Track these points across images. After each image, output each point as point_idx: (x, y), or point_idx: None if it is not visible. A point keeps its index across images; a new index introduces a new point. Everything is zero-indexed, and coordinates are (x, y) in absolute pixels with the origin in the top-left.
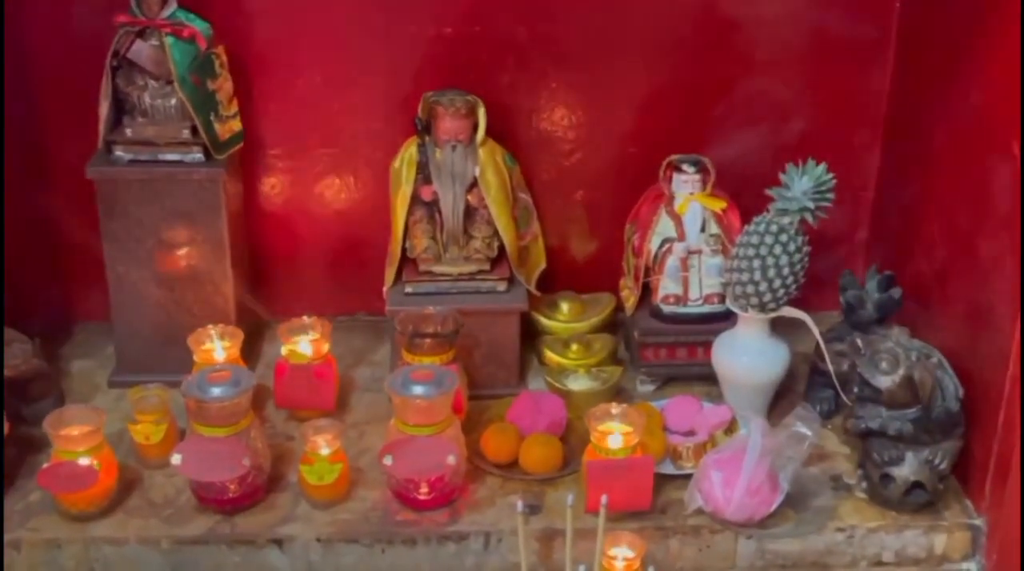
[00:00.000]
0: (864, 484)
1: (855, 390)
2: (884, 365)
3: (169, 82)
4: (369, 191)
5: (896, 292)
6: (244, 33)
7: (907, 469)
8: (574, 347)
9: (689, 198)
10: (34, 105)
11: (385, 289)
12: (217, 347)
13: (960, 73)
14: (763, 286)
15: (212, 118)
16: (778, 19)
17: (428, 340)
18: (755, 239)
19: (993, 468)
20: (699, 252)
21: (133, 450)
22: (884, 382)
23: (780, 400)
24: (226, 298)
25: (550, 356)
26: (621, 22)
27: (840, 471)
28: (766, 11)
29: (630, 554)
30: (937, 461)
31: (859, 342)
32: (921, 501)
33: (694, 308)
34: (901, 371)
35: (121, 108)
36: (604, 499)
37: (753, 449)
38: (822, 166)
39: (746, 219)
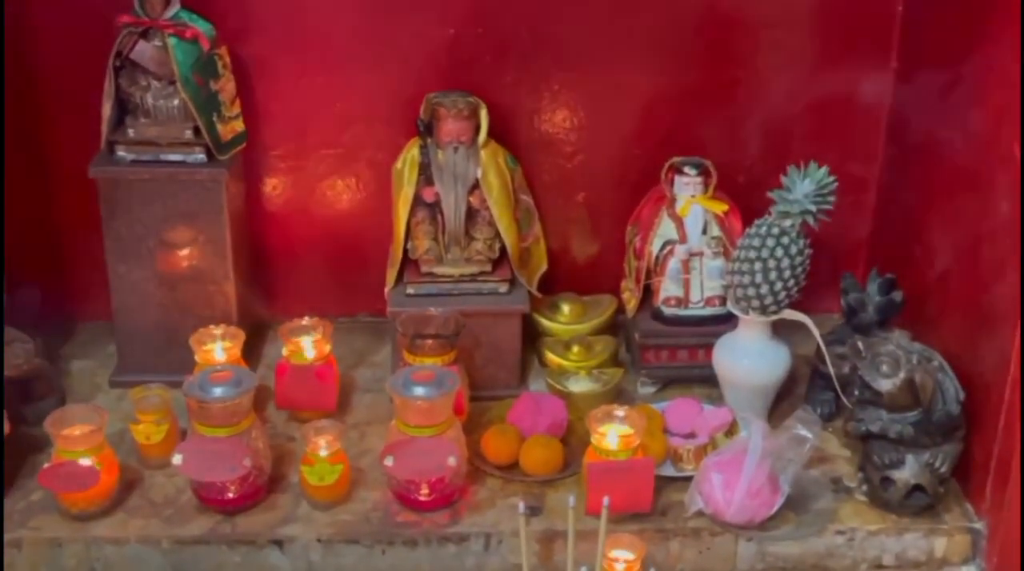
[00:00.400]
0: (864, 487)
1: (856, 393)
2: (885, 368)
3: (172, 82)
4: (371, 192)
5: (897, 295)
6: (247, 34)
7: (907, 472)
8: (575, 349)
9: (691, 200)
10: (37, 105)
11: (386, 290)
12: (218, 347)
13: (961, 76)
14: (764, 289)
15: (215, 119)
16: (781, 22)
17: (429, 341)
18: (756, 242)
19: (994, 471)
20: (700, 254)
21: (134, 450)
22: (885, 385)
23: (781, 402)
24: (228, 298)
25: (551, 357)
26: (624, 24)
27: (840, 474)
28: (769, 14)
29: (630, 556)
30: (937, 464)
31: (860, 345)
32: (921, 504)
33: (695, 310)
34: (902, 374)
35: (124, 108)
36: (606, 501)
37: (754, 451)
38: (824, 169)
39: (747, 222)
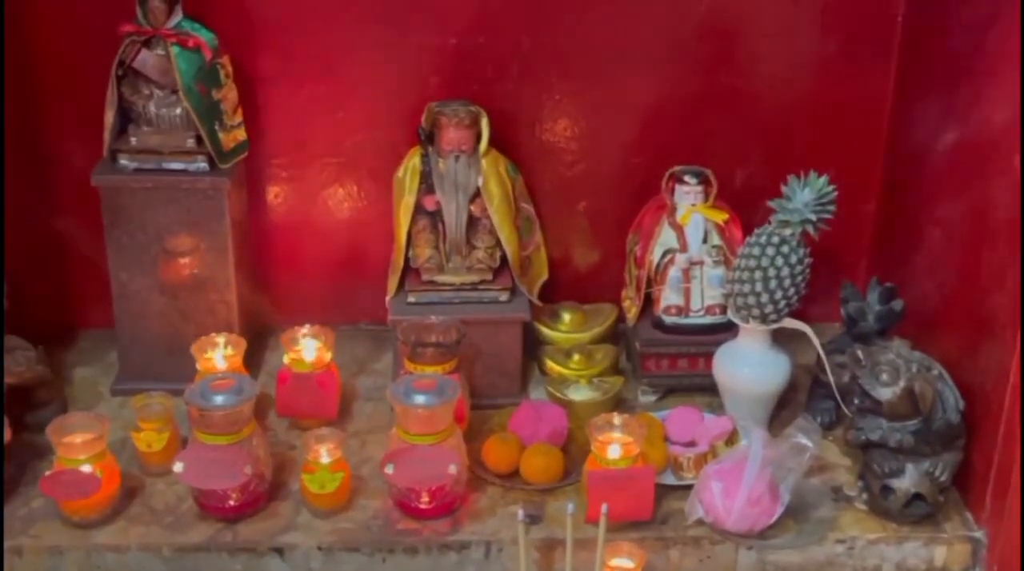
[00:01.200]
0: (864, 495)
1: (856, 402)
2: (885, 377)
3: (174, 91)
4: (372, 201)
5: (897, 304)
6: (249, 43)
7: (907, 481)
8: (576, 357)
9: (691, 209)
10: (40, 113)
11: (388, 298)
12: (220, 355)
13: (961, 86)
14: (764, 297)
15: (216, 127)
16: (781, 32)
17: (430, 349)
18: (756, 251)
19: (994, 480)
20: (701, 263)
21: (135, 458)
22: (885, 394)
23: (781, 411)
24: (229, 306)
25: (552, 366)
26: (625, 33)
27: (841, 482)
28: (769, 24)
29: (630, 564)
30: (937, 473)
31: (860, 354)
32: (921, 513)
33: (696, 319)
34: (902, 383)
35: (126, 117)
36: (604, 508)
37: (754, 460)
38: (823, 178)
39: (748, 231)
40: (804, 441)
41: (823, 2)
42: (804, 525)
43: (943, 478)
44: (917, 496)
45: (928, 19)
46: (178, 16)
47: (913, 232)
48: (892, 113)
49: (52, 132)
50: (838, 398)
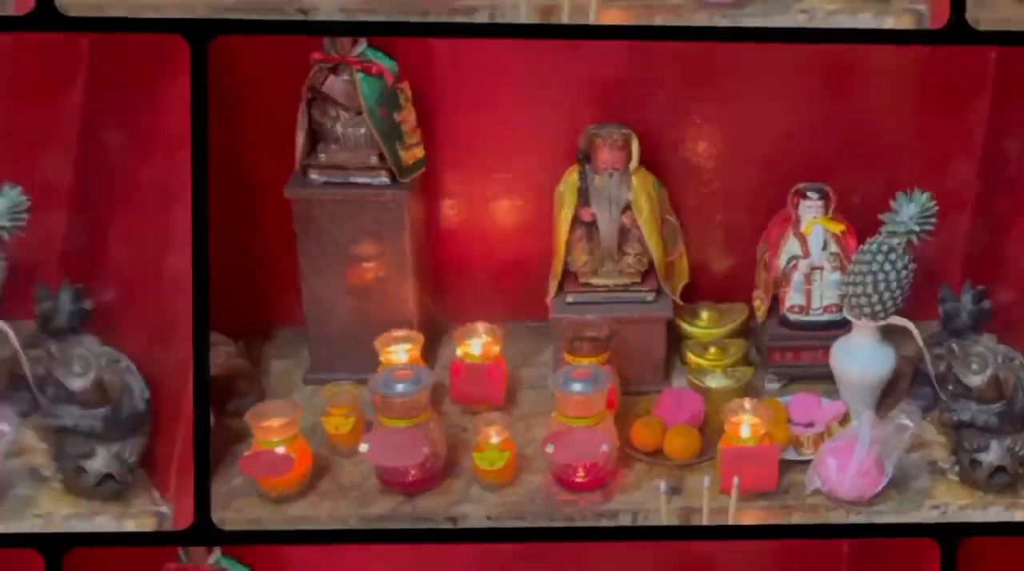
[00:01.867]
0: (956, 468)
1: (950, 388)
2: (975, 366)
3: (359, 113)
4: (535, 212)
5: (987, 304)
6: (427, 71)
7: (992, 455)
8: (712, 350)
9: (813, 221)
10: (239, 135)
11: (549, 298)
12: (400, 349)
13: None
14: (875, 298)
15: (397, 146)
16: (889, 68)
17: (586, 343)
18: (868, 257)
19: None
20: (821, 268)
21: (325, 440)
22: (975, 381)
23: (887, 397)
24: (409, 306)
25: (691, 358)
26: (754, 68)
27: (936, 457)
28: (878, 62)
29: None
30: (1018, 448)
31: (954, 347)
32: (1004, 482)
33: (816, 317)
34: (989, 371)
35: (316, 136)
36: (736, 480)
37: (863, 438)
38: (926, 195)
39: (861, 240)
40: (906, 422)
41: (928, 48)
42: (905, 494)
43: (1022, 452)
44: (1000, 468)
45: (1020, 53)
46: (362, 45)
47: (1002, 243)
48: (986, 139)
49: (250, 151)
50: (935, 385)
